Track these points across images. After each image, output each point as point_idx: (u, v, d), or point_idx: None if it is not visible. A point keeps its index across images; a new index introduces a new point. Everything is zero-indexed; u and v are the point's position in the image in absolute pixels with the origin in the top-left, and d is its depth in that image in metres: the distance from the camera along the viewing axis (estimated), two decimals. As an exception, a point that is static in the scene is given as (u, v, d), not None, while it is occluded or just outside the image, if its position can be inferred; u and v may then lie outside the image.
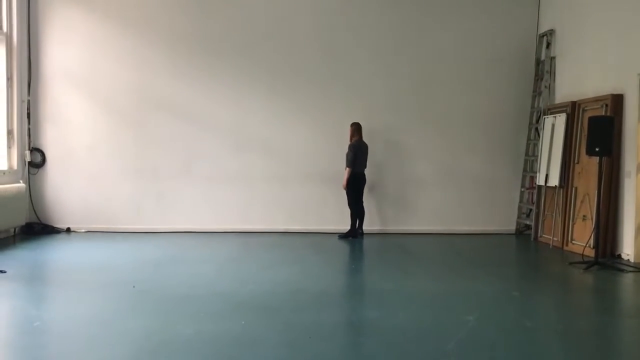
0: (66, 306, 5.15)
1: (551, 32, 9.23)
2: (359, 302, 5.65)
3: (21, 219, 8.83)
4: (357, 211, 8.91)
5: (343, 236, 8.89)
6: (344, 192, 8.88)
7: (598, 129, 6.90)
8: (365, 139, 8.99)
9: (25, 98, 9.18)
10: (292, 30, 9.45)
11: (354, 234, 8.91)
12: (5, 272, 6.18)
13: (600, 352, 4.24)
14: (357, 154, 8.79)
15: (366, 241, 8.79)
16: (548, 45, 9.30)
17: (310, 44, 9.45)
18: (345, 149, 8.87)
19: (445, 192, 9.57)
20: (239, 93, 9.41)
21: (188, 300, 5.29)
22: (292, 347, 4.08)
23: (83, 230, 9.26)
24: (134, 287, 5.71)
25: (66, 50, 9.30)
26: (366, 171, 9.00)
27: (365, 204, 9.07)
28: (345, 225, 8.97)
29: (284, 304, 5.21)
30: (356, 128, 8.91)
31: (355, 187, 8.85)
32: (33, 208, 9.25)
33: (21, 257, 7.36)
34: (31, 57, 9.23)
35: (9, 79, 8.84)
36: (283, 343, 4.16)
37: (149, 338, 4.23)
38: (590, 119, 7.21)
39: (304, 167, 9.44)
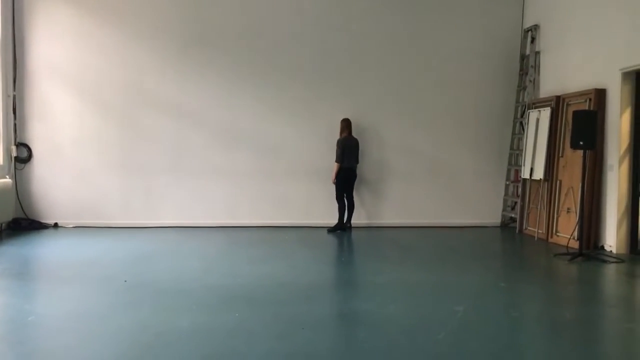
0: (58, 301, 5.16)
1: (536, 27, 9.35)
2: (349, 294, 5.72)
3: (8, 215, 8.78)
4: (342, 205, 9.00)
5: (332, 230, 8.97)
6: (334, 186, 8.98)
7: (582, 122, 7.04)
8: (356, 134, 9.08)
9: (11, 93, 9.10)
10: (282, 27, 9.47)
11: (342, 227, 8.99)
12: (-6, 267, 6.16)
13: (583, 340, 4.36)
14: (344, 150, 8.88)
15: (354, 235, 8.87)
16: (533, 40, 9.42)
17: (299, 41, 9.48)
18: (334, 145, 8.96)
19: (431, 185, 9.68)
20: (227, 89, 9.42)
21: (180, 294, 5.33)
22: (285, 338, 4.15)
23: (71, 226, 9.23)
24: (125, 281, 5.73)
25: (52, 46, 9.23)
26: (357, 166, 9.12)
27: (354, 198, 9.18)
28: (333, 219, 9.04)
29: (274, 297, 5.26)
30: (345, 124, 9.00)
31: (342, 182, 8.94)
32: (20, 203, 9.19)
33: (9, 252, 7.33)
34: (16, 52, 9.15)
35: (-6, 73, 8.78)
36: (276, 334, 4.22)
37: (144, 331, 4.27)
38: (575, 112, 7.34)
39: (292, 162, 9.48)
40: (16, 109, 9.19)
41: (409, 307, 5.02)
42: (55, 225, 9.23)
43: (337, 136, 9.05)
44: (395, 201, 9.66)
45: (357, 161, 9.11)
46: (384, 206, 9.65)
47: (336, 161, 8.89)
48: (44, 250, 7.68)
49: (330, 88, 9.51)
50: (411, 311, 4.90)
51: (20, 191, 9.21)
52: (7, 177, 8.89)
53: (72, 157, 9.31)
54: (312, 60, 9.50)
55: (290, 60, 9.48)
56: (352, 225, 9.16)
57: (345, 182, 9.00)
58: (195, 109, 9.39)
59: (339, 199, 9.00)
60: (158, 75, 9.33)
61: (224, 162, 9.42)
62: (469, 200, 9.74)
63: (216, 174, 9.42)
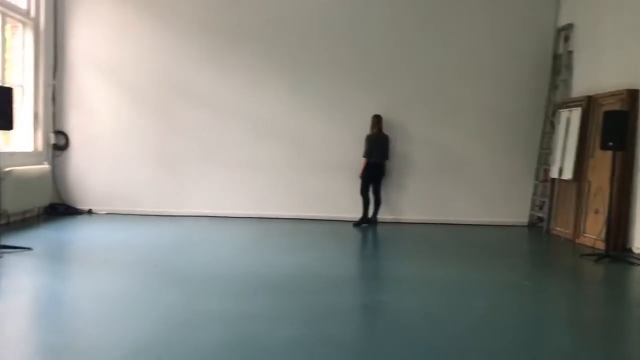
0: (92, 282, 5.37)
1: (570, 26, 9.27)
2: (372, 286, 5.82)
3: (45, 200, 9.10)
4: (366, 200, 9.13)
5: (357, 223, 9.08)
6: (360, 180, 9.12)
7: (612, 123, 6.98)
8: (386, 130, 9.20)
9: (51, 82, 9.42)
10: (314, 21, 9.57)
11: (367, 221, 9.09)
12: (31, 249, 6.42)
13: (606, 339, 4.38)
14: (372, 145, 8.98)
15: (380, 229, 8.96)
16: (566, 39, 9.34)
17: (331, 34, 9.58)
18: (362, 140, 9.08)
19: (459, 183, 9.69)
20: (259, 82, 9.58)
21: (210, 280, 5.50)
22: (310, 325, 4.27)
23: (104, 212, 9.52)
24: (155, 266, 5.93)
25: (91, 37, 9.52)
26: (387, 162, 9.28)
27: (381, 194, 9.29)
28: (360, 213, 9.16)
29: (301, 287, 5.39)
30: (376, 120, 9.14)
31: (368, 177, 9.05)
32: (56, 189, 9.52)
33: (45, 236, 7.62)
34: (57, 43, 9.46)
35: (36, 63, 9.08)
36: (301, 322, 4.35)
37: (174, 313, 4.44)
38: (605, 113, 7.28)
39: (320, 156, 9.61)
40: (55, 98, 9.51)
41: (429, 300, 5.10)
42: (90, 212, 9.54)
43: (366, 132, 9.15)
44: (421, 198, 9.69)
45: (386, 157, 9.20)
46: (410, 202, 9.70)
47: (364, 156, 9.02)
48: (78, 234, 7.96)
49: (360, 83, 9.58)
50: (432, 304, 4.97)
51: (57, 178, 9.54)
52: (46, 163, 9.21)
53: (108, 146, 9.59)
54: (343, 55, 9.59)
55: (321, 55, 9.58)
56: (378, 220, 9.25)
57: (371, 177, 9.11)
58: (228, 103, 9.58)
59: (364, 193, 9.13)
60: (192, 69, 9.54)
61: (254, 154, 9.60)
62: (497, 198, 9.72)
63: (246, 166, 9.60)
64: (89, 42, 9.53)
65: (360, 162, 9.09)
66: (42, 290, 5.17)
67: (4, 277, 5.44)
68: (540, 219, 9.49)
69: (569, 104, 8.96)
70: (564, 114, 8.90)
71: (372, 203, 9.24)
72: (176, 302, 4.76)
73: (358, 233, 8.67)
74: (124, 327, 4.15)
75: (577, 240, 8.24)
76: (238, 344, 3.84)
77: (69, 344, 3.81)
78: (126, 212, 9.47)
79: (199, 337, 3.93)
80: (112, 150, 9.60)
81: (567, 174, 8.55)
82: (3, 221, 7.77)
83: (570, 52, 9.26)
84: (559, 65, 9.42)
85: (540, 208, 9.59)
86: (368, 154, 9.02)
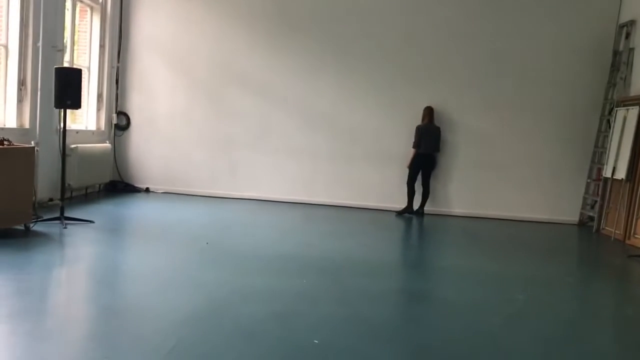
0: (147, 254, 5.72)
1: (632, 23, 9.05)
2: (412, 274, 5.94)
3: (106, 177, 9.60)
4: (411, 190, 9.26)
5: (400, 213, 9.21)
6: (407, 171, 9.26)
7: (669, 123, 6.84)
8: (436, 121, 9.26)
9: (115, 65, 9.88)
10: (366, 12, 9.66)
11: (410, 211, 9.22)
12: (93, 222, 6.84)
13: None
14: (422, 136, 9.09)
15: (427, 221, 9.04)
16: (627, 36, 9.12)
17: (383, 25, 9.63)
18: (412, 131, 9.18)
19: (510, 179, 9.63)
20: (310, 71, 9.76)
21: (256, 259, 5.77)
22: (348, 305, 4.45)
23: (161, 191, 9.95)
24: (207, 243, 6.24)
25: (154, 22, 9.92)
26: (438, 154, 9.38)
27: (432, 186, 9.42)
28: (402, 204, 9.30)
29: (341, 269, 5.58)
30: (427, 111, 9.24)
31: (416, 167, 9.16)
32: (117, 167, 10.01)
33: (106, 211, 8.06)
34: (122, 27, 9.91)
35: (102, 46, 9.54)
36: (338, 300, 4.54)
37: (221, 286, 4.72)
38: (662, 113, 7.13)
39: (368, 145, 9.72)
40: (119, 80, 9.98)
41: (468, 290, 5.19)
42: (147, 190, 9.99)
43: (417, 123, 9.24)
44: (472, 191, 9.69)
45: (436, 149, 9.27)
46: (458, 195, 9.71)
47: (413, 147, 9.11)
48: (136, 211, 8.38)
49: (412, 75, 9.62)
50: (470, 294, 5.07)
51: (117, 156, 10.02)
52: (108, 142, 9.69)
53: (165, 127, 10.00)
54: (394, 46, 9.64)
55: (373, 45, 9.66)
56: (425, 212, 9.34)
57: (420, 168, 9.20)
58: (280, 90, 9.81)
59: (410, 183, 9.25)
60: (247, 55, 9.81)
61: (304, 141, 9.81)
62: (547, 195, 9.62)
63: (296, 152, 9.83)
64: (152, 27, 9.93)
65: (408, 153, 9.18)
66: (104, 259, 5.55)
67: (69, 246, 5.85)
68: (591, 218, 9.35)
69: (626, 102, 8.78)
70: (620, 112, 8.73)
71: (420, 194, 9.33)
72: (224, 276, 5.02)
73: (403, 223, 8.78)
74: (180, 295, 4.45)
75: (627, 241, 8.10)
76: (282, 317, 4.07)
77: (130, 307, 4.15)
78: (181, 192, 9.88)
79: (248, 308, 4.20)
80: (169, 132, 10.00)
81: (621, 174, 8.40)
82: (67, 195, 8.25)
83: (631, 49, 9.04)
84: (619, 62, 9.22)
85: (592, 207, 9.44)
86: (417, 144, 9.12)
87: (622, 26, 9.26)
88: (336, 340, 3.71)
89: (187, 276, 5.00)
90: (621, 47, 9.23)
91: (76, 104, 6.65)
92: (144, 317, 3.95)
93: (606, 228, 8.80)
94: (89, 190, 9.19)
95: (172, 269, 5.21)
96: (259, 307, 4.24)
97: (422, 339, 3.89)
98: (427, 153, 9.20)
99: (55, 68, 6.74)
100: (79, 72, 6.79)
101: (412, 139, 9.19)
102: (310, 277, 5.19)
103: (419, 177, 9.32)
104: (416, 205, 9.35)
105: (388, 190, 9.62)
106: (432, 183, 9.51)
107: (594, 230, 9.02)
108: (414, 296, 5.01)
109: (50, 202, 7.76)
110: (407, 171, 9.25)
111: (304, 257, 5.99)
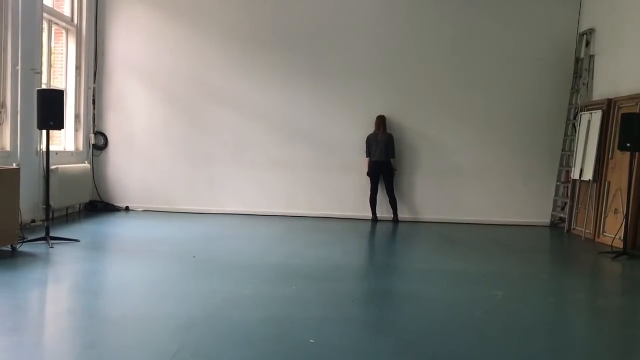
0: (134, 269, 5.80)
1: (591, 31, 9.50)
2: (396, 276, 6.12)
3: (86, 197, 9.63)
4: (372, 197, 9.71)
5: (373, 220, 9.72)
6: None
7: (630, 125, 7.22)
8: (404, 131, 9.77)
9: (92, 86, 9.95)
10: (338, 26, 9.93)
11: (375, 219, 9.70)
12: (79, 241, 6.91)
13: (615, 325, 4.66)
14: (369, 145, 9.65)
15: (402, 228, 9.29)
16: (587, 44, 9.57)
17: (354, 39, 9.92)
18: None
19: (483, 184, 9.95)
20: (286, 85, 9.99)
21: (244, 269, 5.91)
22: (338, 308, 4.64)
23: (141, 210, 10.01)
24: (194, 257, 6.36)
25: (129, 43, 10.04)
26: (396, 162, 9.79)
27: (402, 193, 9.84)
28: (383, 213, 9.61)
29: (328, 275, 5.76)
30: (377, 121, 9.69)
31: (372, 175, 9.69)
32: (96, 187, 10.04)
33: (90, 230, 8.11)
34: (97, 48, 10.00)
35: (78, 67, 9.62)
36: (329, 305, 4.72)
37: (213, 296, 4.85)
38: (623, 115, 7.53)
39: (344, 156, 9.96)
40: (95, 100, 10.05)
41: (450, 289, 5.42)
42: (127, 209, 10.03)
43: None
44: (445, 198, 9.98)
45: (387, 156, 9.60)
46: (433, 202, 9.99)
47: (366, 156, 9.70)
48: (119, 229, 8.43)
49: (382, 87, 9.92)
50: (452, 293, 5.30)
51: (96, 176, 10.06)
52: (87, 162, 9.74)
53: (144, 146, 10.09)
54: (365, 60, 9.93)
55: (346, 58, 9.93)
56: (400, 220, 9.63)
57: (377, 175, 9.65)
58: (257, 104, 10.01)
59: (371, 194, 9.72)
60: (223, 72, 10.00)
61: (283, 155, 10.01)
62: (519, 199, 9.95)
63: (275, 166, 10.01)
64: (127, 47, 10.04)
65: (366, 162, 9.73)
66: (97, 274, 5.65)
67: (59, 264, 5.91)
68: (562, 220, 9.71)
69: (590, 107, 9.19)
70: (585, 116, 9.14)
71: (389, 204, 9.68)
72: (216, 287, 5.16)
73: (380, 230, 9.01)
74: (174, 305, 4.58)
75: (597, 240, 8.46)
76: (277, 321, 4.23)
77: (130, 316, 4.27)
78: (162, 210, 9.94)
79: (243, 315, 4.35)
80: (148, 151, 10.09)
81: (588, 175, 8.78)
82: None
83: (592, 57, 9.49)
84: (581, 69, 9.65)
85: (563, 209, 9.81)
86: (368, 153, 9.64)
87: (582, 34, 9.71)
88: (331, 339, 3.89)
89: (179, 287, 5.12)
90: (582, 55, 9.67)
91: (59, 125, 6.73)
92: (144, 325, 4.08)
93: (577, 228, 9.16)
94: (69, 211, 9.21)
95: (164, 281, 5.33)
96: (254, 313, 4.40)
97: (411, 333, 4.09)
98: (380, 160, 9.56)
99: (38, 90, 6.84)
100: (61, 93, 6.89)
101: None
102: (299, 284, 5.36)
103: (383, 188, 9.66)
104: (390, 216, 9.70)
105: (365, 200, 9.84)
106: (403, 191, 9.85)
107: (565, 230, 9.38)
108: (399, 296, 5.22)
109: (32, 224, 7.79)
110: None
111: (290, 265, 6.16)
